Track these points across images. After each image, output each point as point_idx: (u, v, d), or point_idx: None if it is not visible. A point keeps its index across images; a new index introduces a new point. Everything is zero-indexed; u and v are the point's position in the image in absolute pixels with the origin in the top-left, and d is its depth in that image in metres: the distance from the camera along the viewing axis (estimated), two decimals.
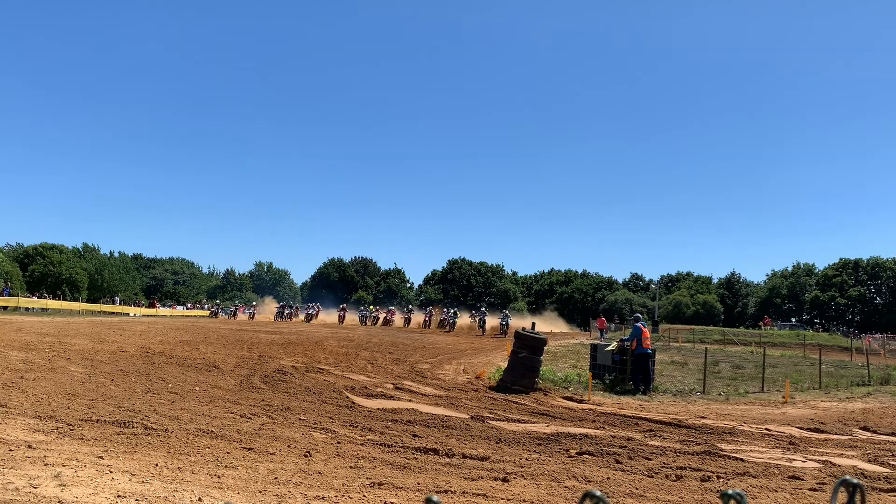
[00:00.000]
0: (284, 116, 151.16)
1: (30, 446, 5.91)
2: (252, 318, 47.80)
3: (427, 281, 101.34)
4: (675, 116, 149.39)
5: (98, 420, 7.42)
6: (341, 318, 45.76)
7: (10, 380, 9.63)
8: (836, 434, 10.44)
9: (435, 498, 1.05)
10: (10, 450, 5.72)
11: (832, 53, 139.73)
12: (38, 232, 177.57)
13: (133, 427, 7.20)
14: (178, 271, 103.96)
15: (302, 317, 49.21)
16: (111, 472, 5.25)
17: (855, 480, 1.20)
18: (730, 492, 1.19)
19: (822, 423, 11.56)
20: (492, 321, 42.33)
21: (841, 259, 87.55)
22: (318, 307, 49.95)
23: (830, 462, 7.86)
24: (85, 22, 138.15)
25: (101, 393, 9.47)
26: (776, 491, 6.23)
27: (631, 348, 16.05)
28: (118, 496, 4.65)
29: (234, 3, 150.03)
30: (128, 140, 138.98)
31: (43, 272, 69.89)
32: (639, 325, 16.62)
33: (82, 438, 6.50)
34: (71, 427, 6.97)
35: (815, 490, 6.31)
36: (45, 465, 5.33)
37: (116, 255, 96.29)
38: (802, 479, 6.76)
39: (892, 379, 20.02)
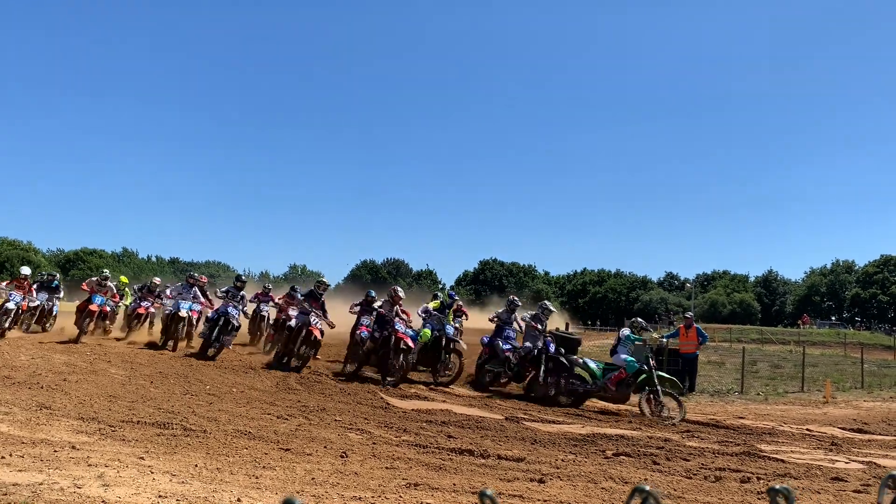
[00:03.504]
0: (314, 119, 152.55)
1: (73, 447, 6.04)
2: (26, 327, 18.79)
3: (459, 282, 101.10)
4: (711, 112, 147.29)
5: (139, 421, 7.55)
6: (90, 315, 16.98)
7: (54, 382, 9.85)
8: (881, 434, 10.20)
9: (489, 491, 1.05)
10: (55, 450, 5.85)
11: (873, 45, 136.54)
12: (78, 237, 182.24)
13: (172, 428, 7.31)
14: (213, 274, 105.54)
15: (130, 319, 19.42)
16: (152, 473, 5.34)
17: None
18: (777, 487, 1.16)
19: (866, 423, 11.31)
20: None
21: (882, 255, 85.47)
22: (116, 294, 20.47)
23: (875, 463, 7.68)
24: (94, 22, 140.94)
25: (141, 395, 9.64)
26: (819, 493, 6.10)
27: (681, 350, 15.92)
28: (160, 496, 4.73)
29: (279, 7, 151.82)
30: (162, 146, 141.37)
31: (83, 276, 71.57)
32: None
33: (124, 439, 6.63)
34: (112, 428, 7.10)
35: (859, 492, 6.17)
36: (89, 465, 5.44)
37: (154, 259, 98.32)
38: (846, 481, 6.61)
39: None
